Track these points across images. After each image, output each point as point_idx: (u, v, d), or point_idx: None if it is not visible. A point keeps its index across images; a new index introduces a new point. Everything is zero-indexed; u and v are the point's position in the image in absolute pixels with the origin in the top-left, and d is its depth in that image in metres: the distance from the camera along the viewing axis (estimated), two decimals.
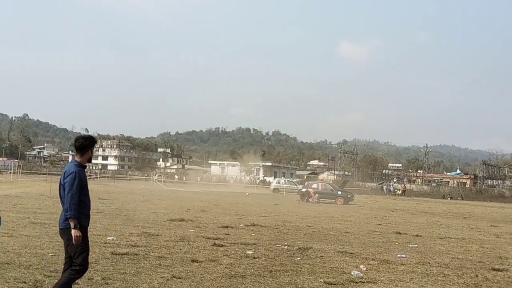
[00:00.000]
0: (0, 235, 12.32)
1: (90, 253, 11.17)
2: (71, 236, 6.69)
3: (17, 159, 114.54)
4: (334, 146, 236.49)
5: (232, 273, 10.02)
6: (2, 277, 8.59)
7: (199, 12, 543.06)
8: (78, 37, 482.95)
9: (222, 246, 13.38)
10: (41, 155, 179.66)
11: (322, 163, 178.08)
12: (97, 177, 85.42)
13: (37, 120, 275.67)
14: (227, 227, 17.99)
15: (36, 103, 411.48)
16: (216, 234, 15.68)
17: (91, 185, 44.29)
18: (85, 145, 6.96)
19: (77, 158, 6.95)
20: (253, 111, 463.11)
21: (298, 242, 15.10)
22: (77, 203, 6.69)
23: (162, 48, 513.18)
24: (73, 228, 6.65)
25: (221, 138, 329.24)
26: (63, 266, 7.12)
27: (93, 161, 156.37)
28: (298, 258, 12.10)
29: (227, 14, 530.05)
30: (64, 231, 6.82)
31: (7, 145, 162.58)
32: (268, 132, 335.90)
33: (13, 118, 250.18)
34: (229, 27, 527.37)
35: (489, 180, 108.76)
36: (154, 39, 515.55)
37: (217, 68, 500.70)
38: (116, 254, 11.30)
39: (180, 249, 12.54)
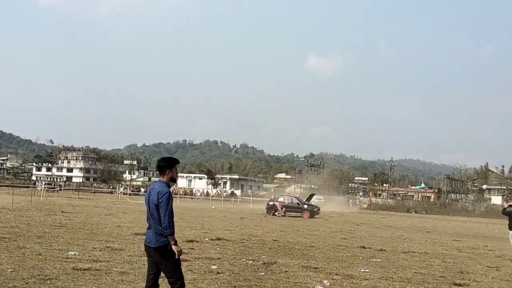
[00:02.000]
0: None
1: (50, 268, 11.07)
2: (166, 254, 6.93)
3: None
4: (301, 159, 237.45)
5: None
6: None
7: (162, 24, 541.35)
8: (39, 50, 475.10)
9: (186, 261, 13.25)
10: (4, 166, 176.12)
11: (289, 176, 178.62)
12: (61, 190, 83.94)
13: (0, 131, 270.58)
14: (192, 241, 17.88)
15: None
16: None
17: (54, 198, 43.60)
18: (162, 166, 7.19)
19: (162, 178, 7.16)
20: (220, 123, 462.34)
21: (263, 256, 15.09)
22: (173, 220, 6.95)
23: (127, 61, 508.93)
24: (173, 245, 6.92)
25: (189, 150, 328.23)
26: (145, 284, 7.27)
27: (57, 172, 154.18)
28: (262, 273, 12.09)
29: (193, 28, 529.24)
30: (158, 250, 6.98)
31: None
32: (235, 144, 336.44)
33: None
34: (194, 41, 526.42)
35: (453, 194, 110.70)
36: (117, 52, 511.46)
37: (185, 81, 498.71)
38: (77, 269, 11.12)
39: (144, 264, 12.28)
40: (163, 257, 6.95)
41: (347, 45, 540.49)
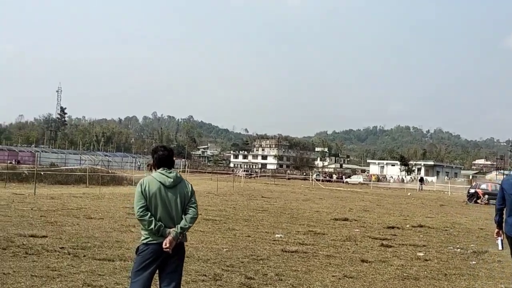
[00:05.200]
0: None
1: (260, 249, 11.60)
2: None
3: (184, 159, 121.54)
4: (502, 144, 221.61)
5: (404, 275, 9.74)
6: (184, 270, 9.13)
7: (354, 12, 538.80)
8: (239, 41, 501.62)
9: (391, 247, 13.08)
10: (205, 154, 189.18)
11: (489, 162, 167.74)
12: (257, 176, 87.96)
13: (201, 121, 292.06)
14: (393, 227, 17.56)
15: (200, 105, 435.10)
16: (382, 235, 15.38)
17: (252, 184, 45.64)
18: None
19: None
20: (412, 108, 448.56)
21: (472, 245, 14.29)
22: None
23: (321, 47, 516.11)
24: None
25: (379, 136, 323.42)
26: None
27: (253, 160, 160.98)
28: (473, 262, 11.46)
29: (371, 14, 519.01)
30: None
31: (175, 145, 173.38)
32: (429, 130, 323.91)
33: (180, 120, 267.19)
34: (389, 23, 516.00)
35: None
36: (311, 38, 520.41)
37: (373, 63, 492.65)
38: (286, 251, 11.51)
39: (348, 249, 12.47)
40: None
41: None
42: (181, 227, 5.33)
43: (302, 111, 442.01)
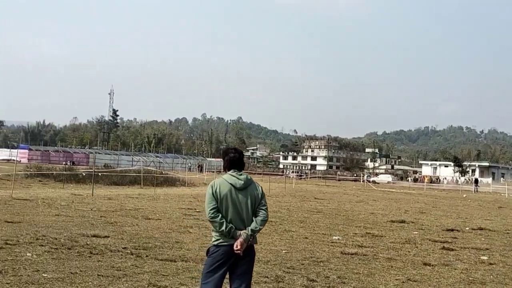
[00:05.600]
0: None
1: (319, 251, 11.50)
2: None
3: None
4: None
5: (470, 279, 9.50)
6: None
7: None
8: (287, 42, 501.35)
9: (452, 250, 12.77)
10: (254, 155, 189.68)
11: None
12: (307, 177, 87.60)
13: (250, 122, 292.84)
14: (452, 230, 17.15)
15: (249, 106, 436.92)
16: (442, 237, 15.05)
17: (303, 185, 45.39)
18: None
19: None
20: (465, 107, 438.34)
21: None
22: None
23: (371, 46, 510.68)
24: None
25: (431, 137, 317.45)
26: None
27: (302, 161, 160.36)
28: None
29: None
30: None
31: (224, 147, 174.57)
32: (482, 130, 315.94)
33: (229, 121, 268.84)
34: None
35: None
36: (361, 37, 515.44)
37: (424, 62, 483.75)
38: (345, 253, 11.40)
39: (409, 252, 12.24)
40: None
41: None
42: (251, 230, 5.32)
43: (352, 111, 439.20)
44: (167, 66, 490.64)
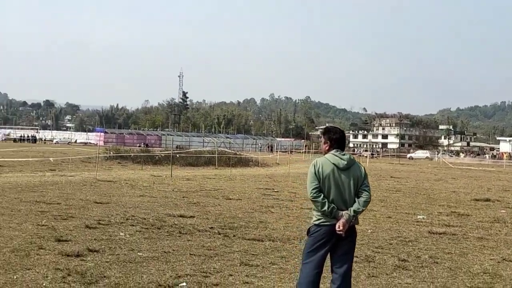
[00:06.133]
0: None
1: (406, 231, 11.29)
2: None
3: (303, 139, 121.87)
4: None
5: None
6: None
7: None
8: (354, 18, 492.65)
9: None
10: None
11: None
12: (379, 156, 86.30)
13: (318, 101, 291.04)
14: None
15: (317, 85, 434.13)
16: None
17: (377, 164, 44.74)
18: None
19: None
20: None
21: None
22: None
23: (441, 20, 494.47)
24: None
25: (508, 112, 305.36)
26: None
27: (373, 139, 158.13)
28: None
29: None
30: None
31: (293, 126, 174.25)
32: None
33: (297, 101, 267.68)
34: None
35: None
36: (432, 11, 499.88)
37: (498, 34, 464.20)
38: (433, 233, 11.13)
39: (499, 231, 11.83)
40: None
41: None
42: (354, 210, 5.23)
43: (423, 88, 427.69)
44: (235, 47, 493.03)
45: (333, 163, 5.28)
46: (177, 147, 64.13)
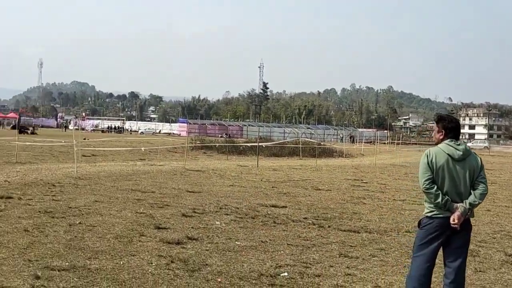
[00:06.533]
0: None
1: (508, 224, 10.76)
2: None
3: (386, 130, 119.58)
4: None
5: None
6: None
7: None
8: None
9: None
10: (407, 125, 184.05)
11: None
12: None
13: (401, 91, 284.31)
14: None
15: (400, 75, 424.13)
16: None
17: None
18: None
19: None
20: None
21: None
22: None
23: None
24: None
25: None
26: None
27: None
28: None
29: None
30: None
31: (375, 117, 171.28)
32: None
33: (379, 91, 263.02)
34: None
35: None
36: None
37: None
38: None
39: None
40: None
41: None
42: (470, 203, 4.98)
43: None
44: (314, 37, 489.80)
45: (448, 154, 5.04)
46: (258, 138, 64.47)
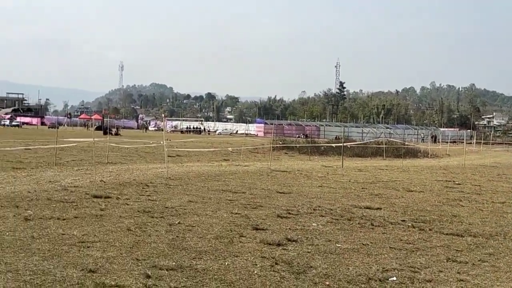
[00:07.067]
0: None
1: None
2: None
3: (469, 129, 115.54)
4: None
5: None
6: None
7: None
8: None
9: None
10: (491, 124, 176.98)
11: None
12: None
13: (484, 89, 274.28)
14: None
15: (484, 72, 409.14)
16: None
17: None
18: None
19: None
20: None
21: None
22: None
23: None
24: None
25: None
26: None
27: None
28: None
29: None
30: None
31: (457, 116, 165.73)
32: None
33: (460, 89, 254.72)
34: None
35: None
36: None
37: None
38: None
39: None
40: None
41: None
42: None
43: None
44: (389, 36, 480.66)
45: None
46: (336, 138, 63.89)
